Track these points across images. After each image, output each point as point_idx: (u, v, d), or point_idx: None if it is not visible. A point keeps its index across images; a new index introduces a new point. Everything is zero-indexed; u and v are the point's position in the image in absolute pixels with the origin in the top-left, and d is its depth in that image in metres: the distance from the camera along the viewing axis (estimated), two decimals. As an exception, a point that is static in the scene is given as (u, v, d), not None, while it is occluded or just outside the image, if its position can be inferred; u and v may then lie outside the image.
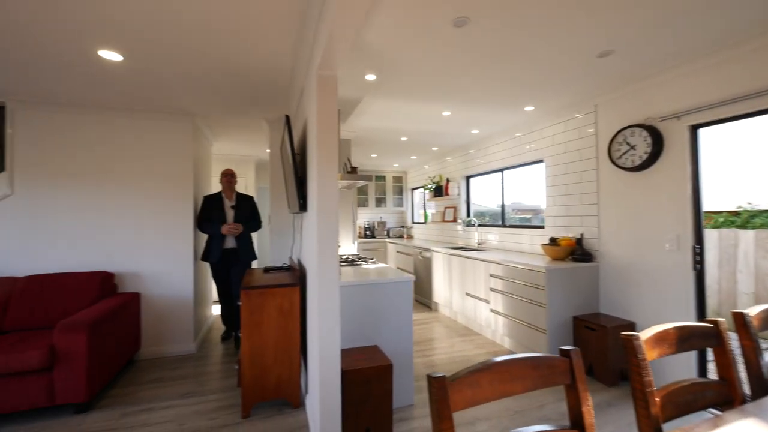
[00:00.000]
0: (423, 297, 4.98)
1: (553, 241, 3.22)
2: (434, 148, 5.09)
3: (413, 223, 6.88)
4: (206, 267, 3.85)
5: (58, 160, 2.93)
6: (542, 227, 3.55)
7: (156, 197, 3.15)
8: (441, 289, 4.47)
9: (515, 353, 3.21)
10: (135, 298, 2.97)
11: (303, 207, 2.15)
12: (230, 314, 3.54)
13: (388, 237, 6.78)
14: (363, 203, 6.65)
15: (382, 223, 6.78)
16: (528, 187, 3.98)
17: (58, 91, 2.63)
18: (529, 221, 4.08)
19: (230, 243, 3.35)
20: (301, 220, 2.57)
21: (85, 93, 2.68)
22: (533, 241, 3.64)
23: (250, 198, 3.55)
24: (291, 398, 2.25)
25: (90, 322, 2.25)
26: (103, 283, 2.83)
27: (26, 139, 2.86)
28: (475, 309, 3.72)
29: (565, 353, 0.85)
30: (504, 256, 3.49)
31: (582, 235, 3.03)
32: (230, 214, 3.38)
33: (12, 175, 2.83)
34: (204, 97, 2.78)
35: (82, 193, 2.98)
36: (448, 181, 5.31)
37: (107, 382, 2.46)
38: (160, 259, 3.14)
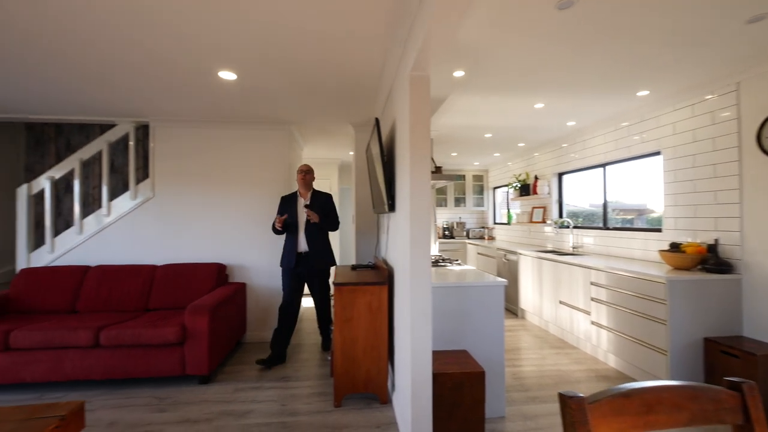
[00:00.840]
0: (508, 302, 4.69)
1: (675, 247, 2.74)
2: (521, 144, 4.76)
3: (495, 223, 6.55)
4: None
5: (184, 167, 3.48)
6: (658, 230, 3.05)
7: (257, 198, 3.53)
8: (529, 296, 4.16)
9: (624, 373, 2.84)
10: (242, 287, 3.36)
11: (391, 207, 2.18)
12: (281, 338, 2.95)
13: (468, 238, 6.56)
14: (441, 203, 6.55)
15: (461, 224, 6.59)
16: (632, 185, 3.46)
17: (185, 109, 3.11)
18: (632, 223, 3.55)
19: (302, 246, 3.01)
20: (387, 221, 2.61)
21: (205, 110, 3.12)
22: (647, 246, 3.15)
23: (327, 195, 3.15)
24: (379, 393, 2.31)
25: (210, 307, 2.61)
26: (219, 273, 3.27)
27: (163, 150, 3.45)
28: (572, 319, 3.37)
29: (734, 386, 0.70)
30: (607, 262, 3.09)
31: (716, 240, 2.52)
32: (303, 213, 3.03)
33: (153, 181, 3.45)
34: (300, 105, 3.01)
35: (201, 195, 3.48)
36: (536, 178, 4.92)
37: (222, 359, 2.82)
38: (262, 254, 3.51)
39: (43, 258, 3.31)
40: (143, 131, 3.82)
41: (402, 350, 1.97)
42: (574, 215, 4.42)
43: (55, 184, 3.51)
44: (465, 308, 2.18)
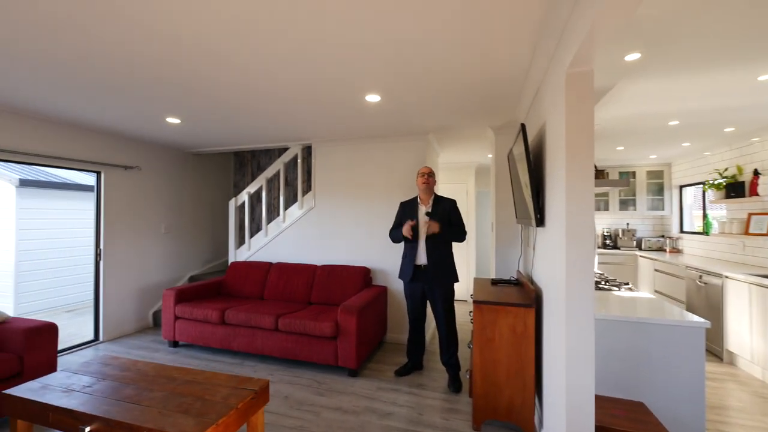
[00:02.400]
0: (707, 341, 3.56)
1: None
2: (728, 129, 3.54)
3: (682, 232, 5.10)
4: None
5: (336, 180, 3.96)
6: None
7: (395, 207, 3.71)
8: (743, 336, 3.05)
9: None
10: (383, 291, 3.61)
11: (540, 222, 1.93)
12: (416, 347, 2.91)
13: (639, 249, 5.32)
14: (600, 206, 5.51)
15: (630, 232, 5.39)
16: None
17: (337, 129, 3.54)
18: None
19: (422, 258, 2.71)
20: (534, 235, 2.34)
21: (353, 129, 3.47)
22: None
23: (451, 202, 2.78)
24: (524, 427, 2.08)
25: (358, 308, 2.89)
26: (365, 275, 3.60)
27: (321, 166, 4.03)
28: (829, 383, 2.29)
29: None
30: None
31: None
32: (424, 221, 2.72)
33: (315, 193, 4.06)
34: (439, 115, 3.02)
35: (350, 204, 3.90)
36: (757, 174, 3.57)
37: (366, 356, 3.09)
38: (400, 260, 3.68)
39: (244, 254, 4.33)
40: (307, 151, 4.55)
41: (554, 391, 1.71)
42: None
43: (252, 197, 4.55)
44: (642, 348, 1.74)
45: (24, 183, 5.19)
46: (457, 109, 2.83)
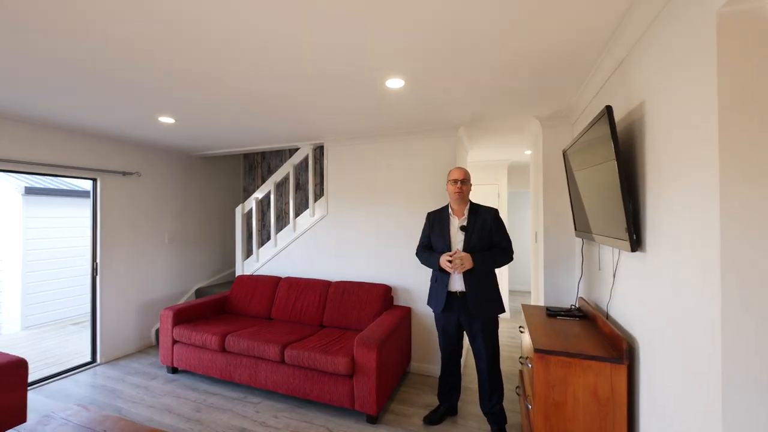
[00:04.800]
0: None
1: None
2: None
3: None
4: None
5: (351, 184, 3.46)
6: None
7: (421, 215, 3.17)
8: None
9: None
10: (407, 313, 3.08)
11: (636, 243, 1.36)
12: (450, 389, 2.40)
13: None
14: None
15: None
16: None
17: (351, 128, 3.04)
18: None
19: (457, 284, 2.16)
20: (615, 257, 1.75)
21: (370, 125, 2.96)
22: None
23: (491, 211, 2.21)
24: None
25: (378, 341, 2.37)
26: (385, 294, 3.09)
27: (335, 168, 3.54)
28: None
29: None
30: None
31: None
32: (458, 238, 2.19)
33: (327, 199, 3.58)
34: (474, 102, 2.46)
35: (366, 211, 3.39)
36: None
37: (390, 393, 2.58)
38: (427, 278, 3.14)
39: (252, 266, 3.91)
40: (320, 151, 4.08)
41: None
42: None
43: (260, 203, 4.13)
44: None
45: (30, 191, 4.98)
46: (499, 93, 2.26)
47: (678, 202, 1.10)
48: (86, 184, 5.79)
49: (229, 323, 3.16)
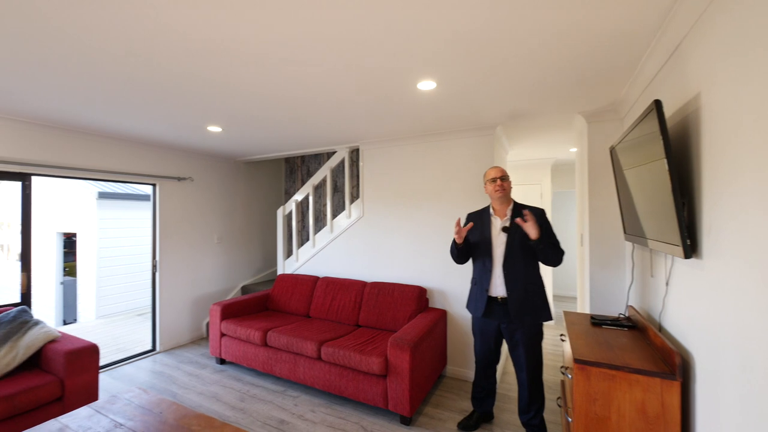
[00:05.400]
0: None
1: None
2: None
3: None
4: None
5: (386, 185, 3.49)
6: None
7: (455, 217, 3.12)
8: None
9: None
10: (442, 316, 3.04)
11: (690, 249, 1.24)
12: (485, 395, 2.33)
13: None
14: None
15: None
16: None
17: (385, 130, 3.06)
18: None
19: (498, 288, 2.06)
20: (669, 263, 1.61)
21: (403, 127, 2.96)
22: None
23: (537, 211, 2.07)
24: None
25: (412, 342, 2.37)
26: (420, 296, 3.07)
27: (370, 171, 3.59)
28: None
29: None
30: None
31: None
32: (500, 239, 2.08)
33: (363, 200, 3.64)
34: (513, 98, 2.38)
35: (401, 212, 3.40)
36: None
37: (424, 395, 2.57)
38: (463, 280, 3.08)
39: (292, 265, 4.08)
40: (356, 154, 4.16)
41: None
42: None
43: (300, 205, 4.30)
44: None
45: (102, 195, 5.60)
46: (540, 87, 2.15)
47: (742, 204, 0.99)
48: (148, 189, 6.39)
49: (270, 319, 3.32)
